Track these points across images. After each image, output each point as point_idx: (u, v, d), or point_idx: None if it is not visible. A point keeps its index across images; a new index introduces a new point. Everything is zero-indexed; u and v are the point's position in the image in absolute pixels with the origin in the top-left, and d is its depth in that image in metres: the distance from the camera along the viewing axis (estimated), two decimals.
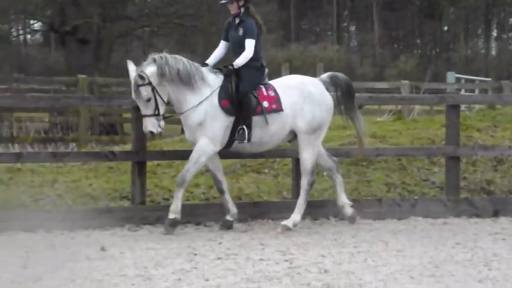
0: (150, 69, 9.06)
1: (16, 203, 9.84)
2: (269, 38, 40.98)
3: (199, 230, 9.59)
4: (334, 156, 10.03)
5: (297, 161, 10.32)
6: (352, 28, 63.68)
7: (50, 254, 8.16)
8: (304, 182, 9.61)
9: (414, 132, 12.99)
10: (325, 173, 10.23)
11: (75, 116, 19.05)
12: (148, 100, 9.03)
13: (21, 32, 47.67)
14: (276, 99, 9.47)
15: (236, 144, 9.41)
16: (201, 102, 9.18)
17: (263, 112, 9.38)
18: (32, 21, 40.96)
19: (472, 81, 31.11)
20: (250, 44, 9.43)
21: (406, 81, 22.47)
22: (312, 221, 10.09)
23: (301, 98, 9.56)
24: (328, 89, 9.83)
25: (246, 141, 9.30)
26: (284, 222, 9.49)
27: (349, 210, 9.84)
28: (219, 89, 9.29)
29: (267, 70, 9.68)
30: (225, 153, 9.64)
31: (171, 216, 9.19)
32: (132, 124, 9.97)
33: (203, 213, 9.95)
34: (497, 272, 7.56)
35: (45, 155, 10.59)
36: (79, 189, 10.33)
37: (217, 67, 9.48)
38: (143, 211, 9.77)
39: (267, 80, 9.66)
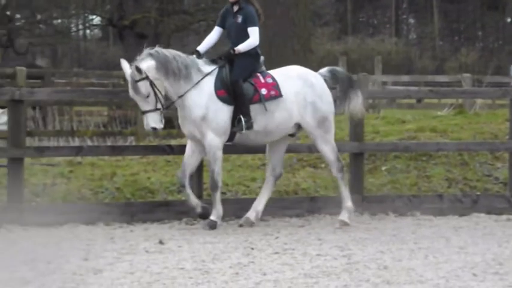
0: (146, 64, 8.88)
1: (76, 196, 9.95)
2: (325, 31, 40.83)
3: (255, 224, 9.57)
4: (393, 151, 9.88)
5: (354, 156, 10.26)
6: (411, 20, 63.01)
7: (109, 247, 8.24)
8: (334, 172, 9.51)
9: (476, 127, 12.79)
10: (267, 171, 9.81)
11: (134, 110, 19.20)
12: (148, 95, 8.86)
13: (80, 27, 48.22)
14: (274, 86, 9.28)
15: (239, 135, 9.23)
16: (194, 87, 9.00)
17: (261, 100, 9.21)
18: (91, 16, 41.41)
19: None
20: (254, 32, 9.23)
21: (468, 75, 22.14)
22: (370, 217, 10.01)
23: (303, 87, 9.39)
24: (327, 83, 9.60)
25: (243, 130, 9.10)
26: (341, 217, 9.43)
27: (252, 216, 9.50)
28: (214, 78, 9.13)
29: (262, 58, 9.47)
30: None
31: (213, 218, 9.16)
32: None
33: None
34: None
35: (104, 149, 10.69)
36: (137, 182, 10.41)
37: (217, 55, 9.29)
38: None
39: (264, 68, 9.46)
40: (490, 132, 12.39)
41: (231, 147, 10.29)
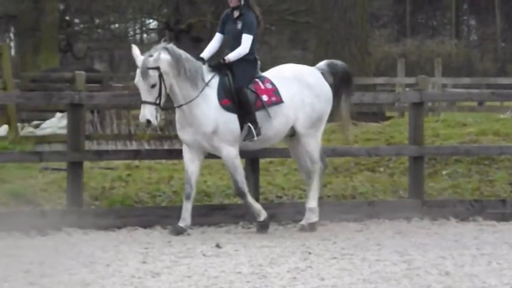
0: (165, 56, 8.78)
1: (134, 199, 10.00)
2: (383, 33, 40.54)
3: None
4: (453, 154, 9.72)
5: (414, 159, 10.12)
6: (472, 22, 62.16)
7: (167, 250, 8.25)
8: (316, 168, 9.29)
9: None
10: (303, 175, 9.66)
11: None
12: (153, 86, 8.71)
13: (137, 31, 48.68)
14: (274, 92, 9.13)
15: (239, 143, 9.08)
16: (198, 96, 8.85)
17: (264, 106, 9.06)
18: (148, 21, 41.76)
19: None
20: (246, 40, 9.05)
21: None
22: (430, 222, 9.86)
23: (300, 88, 9.21)
24: (325, 77, 9.41)
25: (255, 138, 8.96)
26: (303, 222, 9.29)
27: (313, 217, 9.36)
28: (216, 88, 8.98)
29: (259, 63, 9.30)
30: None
31: (262, 218, 9.10)
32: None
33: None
34: None
35: (161, 152, 10.72)
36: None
37: (210, 63, 9.13)
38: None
39: (260, 73, 9.29)
40: None
41: (286, 151, 10.23)
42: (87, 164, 10.11)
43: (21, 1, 31.69)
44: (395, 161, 11.49)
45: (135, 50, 8.83)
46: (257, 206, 9.17)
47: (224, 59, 9.08)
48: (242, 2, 9.14)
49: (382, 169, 11.28)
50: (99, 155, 10.09)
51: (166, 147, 15.56)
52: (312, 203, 9.35)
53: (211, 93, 9.00)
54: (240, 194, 9.13)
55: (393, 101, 17.43)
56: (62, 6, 35.08)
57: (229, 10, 9.27)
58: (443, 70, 23.34)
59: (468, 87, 22.03)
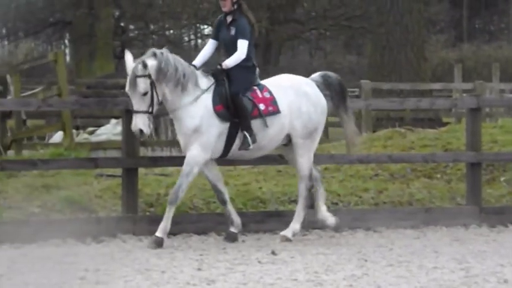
0: (151, 62, 8.55)
1: (189, 205, 10.00)
2: (440, 38, 40.15)
3: (368, 235, 9.46)
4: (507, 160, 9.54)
5: (472, 166, 9.97)
6: None
7: (222, 257, 8.24)
8: (302, 187, 9.10)
9: None
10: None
11: None
12: (145, 94, 8.49)
13: (192, 37, 48.97)
14: (272, 101, 8.92)
15: (233, 151, 8.88)
16: (191, 103, 8.66)
17: (260, 115, 8.85)
18: (202, 26, 42.00)
19: None
20: (243, 45, 8.85)
21: None
22: (488, 229, 9.73)
23: (297, 97, 9.02)
24: (320, 89, 9.20)
25: (251, 146, 8.75)
26: (283, 233, 9.07)
27: (332, 221, 9.15)
28: (212, 93, 8.79)
29: (258, 70, 9.10)
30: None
31: (159, 234, 8.64)
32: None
33: (372, 218, 9.79)
34: None
35: (216, 159, 10.68)
36: (249, 192, 10.40)
37: (208, 70, 8.94)
38: (312, 215, 9.69)
39: (258, 80, 9.09)
40: None
41: (342, 158, 10.14)
42: (141, 171, 10.15)
43: (77, 8, 32.10)
44: (453, 167, 11.35)
45: (128, 56, 8.59)
46: (169, 221, 8.70)
47: (221, 65, 8.91)
48: (235, 7, 8.94)
49: (439, 175, 11.15)
50: (154, 161, 10.12)
51: None
52: (296, 226, 9.10)
53: (205, 98, 8.80)
54: (172, 199, 8.70)
55: (450, 107, 17.24)
56: (117, 13, 35.48)
57: (222, 16, 9.10)
58: (501, 75, 23.02)
59: None
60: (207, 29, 41.09)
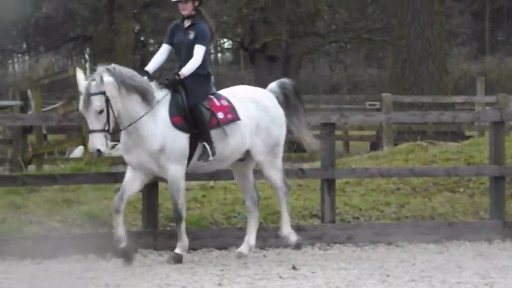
0: (108, 78, 8.22)
1: (209, 220, 9.96)
2: (462, 51, 39.98)
3: (390, 250, 9.40)
4: None
5: (495, 179, 9.87)
6: None
7: (242, 272, 8.18)
8: (280, 194, 8.98)
9: None
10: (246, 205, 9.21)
11: None
12: (101, 112, 8.19)
13: (212, 50, 49.08)
14: (230, 109, 8.66)
15: (193, 163, 8.63)
16: (148, 117, 8.37)
17: (219, 124, 8.62)
18: (223, 40, 42.06)
19: None
20: (199, 51, 8.57)
21: None
22: None
23: (257, 112, 8.79)
24: (278, 99, 8.99)
25: (210, 157, 8.50)
26: (282, 233, 8.95)
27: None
28: (168, 105, 8.49)
29: (213, 78, 8.86)
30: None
31: (178, 251, 8.57)
32: (320, 141, 9.78)
33: (394, 232, 9.74)
34: None
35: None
36: (269, 207, 10.33)
37: (162, 80, 8.64)
38: (333, 230, 9.65)
39: (214, 89, 8.84)
40: None
41: (364, 171, 10.08)
42: (162, 185, 10.11)
43: (97, 23, 32.25)
44: (476, 181, 11.25)
45: (79, 74, 8.32)
46: (184, 236, 8.63)
47: (179, 75, 8.61)
48: (194, 12, 8.72)
49: (461, 189, 11.06)
50: None
51: None
52: (286, 228, 9.03)
53: (161, 110, 8.51)
54: (177, 217, 8.59)
55: (473, 120, 17.13)
56: (137, 27, 35.58)
57: (178, 20, 8.86)
58: None
59: None
60: (227, 43, 41.15)
